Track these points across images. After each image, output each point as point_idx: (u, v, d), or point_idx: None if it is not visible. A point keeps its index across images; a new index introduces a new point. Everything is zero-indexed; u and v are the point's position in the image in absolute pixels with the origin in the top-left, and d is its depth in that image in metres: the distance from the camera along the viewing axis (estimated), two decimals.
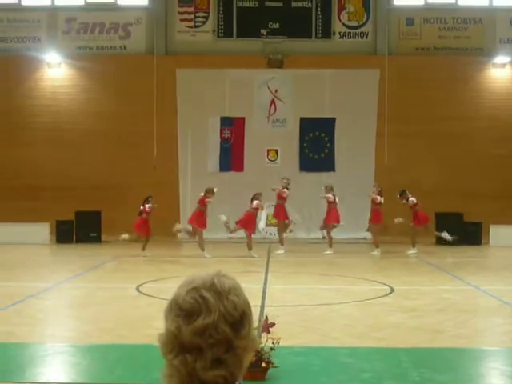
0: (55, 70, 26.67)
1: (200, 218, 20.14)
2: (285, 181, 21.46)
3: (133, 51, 26.54)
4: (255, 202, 20.37)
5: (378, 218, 21.24)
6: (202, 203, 20.21)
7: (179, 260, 19.87)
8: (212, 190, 20.40)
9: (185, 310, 2.26)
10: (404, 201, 21.32)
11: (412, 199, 21.24)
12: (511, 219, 23.64)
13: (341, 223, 21.38)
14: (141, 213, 20.16)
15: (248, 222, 20.29)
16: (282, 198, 21.32)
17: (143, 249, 19.99)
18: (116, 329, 10.04)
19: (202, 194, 20.28)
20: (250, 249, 20.07)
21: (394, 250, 21.00)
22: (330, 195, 21.22)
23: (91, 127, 26.09)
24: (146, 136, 25.67)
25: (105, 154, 25.73)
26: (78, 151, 25.81)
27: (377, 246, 20.93)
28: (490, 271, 18.06)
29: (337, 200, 21.26)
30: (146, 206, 20.14)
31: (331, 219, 21.19)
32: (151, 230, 20.27)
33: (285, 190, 21.20)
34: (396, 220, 20.82)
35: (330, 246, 20.95)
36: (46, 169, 25.74)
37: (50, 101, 26.43)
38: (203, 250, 19.74)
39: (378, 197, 21.19)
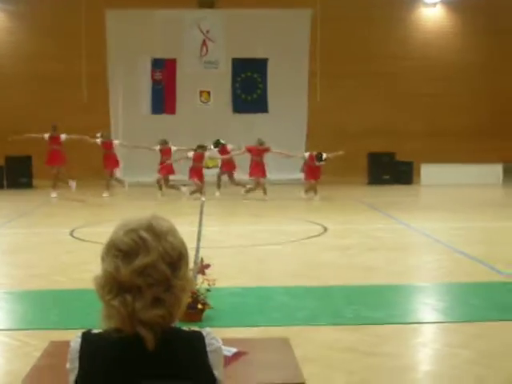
0: None
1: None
2: None
3: None
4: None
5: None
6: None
7: (111, 204, 19.73)
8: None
9: (123, 251, 2.26)
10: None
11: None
12: (441, 158, 24.03)
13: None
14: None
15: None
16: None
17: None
18: (50, 274, 9.96)
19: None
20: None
21: (326, 190, 21.08)
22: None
23: (17, 70, 25.50)
24: (76, 78, 25.21)
25: (34, 97, 25.23)
26: (6, 95, 25.25)
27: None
28: (421, 210, 18.38)
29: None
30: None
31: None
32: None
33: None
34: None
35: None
36: None
37: None
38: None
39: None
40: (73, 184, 21.05)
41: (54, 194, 20.66)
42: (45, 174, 22.23)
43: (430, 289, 9.24)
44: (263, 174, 20.47)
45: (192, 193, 20.33)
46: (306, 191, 20.31)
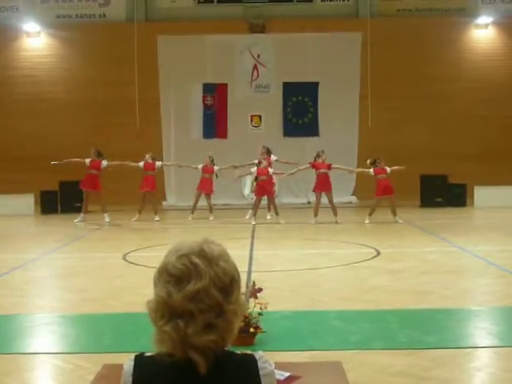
0: (34, 40, 26.42)
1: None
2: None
3: (113, 19, 26.32)
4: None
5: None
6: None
7: (162, 228, 19.85)
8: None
9: (175, 276, 2.27)
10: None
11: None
12: (495, 180, 23.73)
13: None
14: None
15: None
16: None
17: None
18: (103, 298, 10.04)
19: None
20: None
21: (378, 212, 20.94)
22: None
23: (72, 97, 25.94)
24: (128, 104, 25.56)
25: (87, 123, 25.61)
26: (60, 121, 25.69)
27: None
28: (475, 232, 18.14)
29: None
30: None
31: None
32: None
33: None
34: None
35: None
36: (28, 139, 25.57)
37: (30, 71, 26.22)
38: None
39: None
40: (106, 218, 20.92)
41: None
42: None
43: (484, 313, 9.11)
44: (325, 189, 19.96)
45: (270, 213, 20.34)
46: (373, 212, 19.88)
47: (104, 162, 21.06)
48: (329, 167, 20.05)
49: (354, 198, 25.35)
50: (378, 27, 25.55)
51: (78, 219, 20.92)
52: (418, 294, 10.07)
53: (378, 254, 13.95)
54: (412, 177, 23.78)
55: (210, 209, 21.01)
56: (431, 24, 25.68)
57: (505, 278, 11.27)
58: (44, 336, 8.23)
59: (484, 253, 13.72)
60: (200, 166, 21.28)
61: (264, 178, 20.16)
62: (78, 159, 21.06)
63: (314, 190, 20.21)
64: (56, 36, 26.32)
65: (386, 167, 19.94)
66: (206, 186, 21.11)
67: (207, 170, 21.17)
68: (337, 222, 19.50)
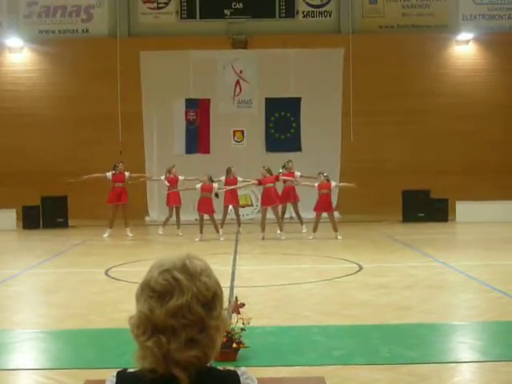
0: (17, 55, 26.35)
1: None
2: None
3: (95, 34, 26.30)
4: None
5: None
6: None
7: (146, 243, 19.80)
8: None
9: (157, 292, 2.26)
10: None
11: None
12: (476, 195, 23.82)
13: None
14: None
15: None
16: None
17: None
18: (85, 314, 10.00)
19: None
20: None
21: (360, 228, 21.00)
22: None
23: (55, 112, 25.86)
24: (111, 120, 25.51)
25: (70, 138, 25.55)
26: (43, 136, 25.59)
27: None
28: (456, 247, 18.23)
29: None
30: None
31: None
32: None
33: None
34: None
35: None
36: (10, 154, 25.46)
37: (13, 86, 26.14)
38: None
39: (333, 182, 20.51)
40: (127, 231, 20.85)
41: (106, 234, 20.65)
42: (80, 213, 22.45)
43: (466, 328, 9.14)
44: (272, 202, 19.96)
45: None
46: (314, 228, 19.74)
47: (127, 174, 21.09)
48: (276, 178, 20.15)
49: (336, 214, 25.34)
50: (360, 43, 25.66)
51: (106, 234, 20.62)
52: (400, 308, 10.09)
53: (361, 268, 13.97)
54: (394, 192, 23.88)
55: (239, 222, 21.17)
56: (413, 40, 25.83)
57: (486, 292, 11.31)
58: (25, 352, 8.18)
59: (466, 268, 13.77)
60: (222, 178, 21.02)
61: (208, 194, 20.01)
62: (98, 174, 21.05)
63: (262, 204, 20.45)
64: (39, 51, 26.27)
65: (331, 182, 19.97)
66: (231, 199, 20.96)
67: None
68: (282, 238, 19.66)
